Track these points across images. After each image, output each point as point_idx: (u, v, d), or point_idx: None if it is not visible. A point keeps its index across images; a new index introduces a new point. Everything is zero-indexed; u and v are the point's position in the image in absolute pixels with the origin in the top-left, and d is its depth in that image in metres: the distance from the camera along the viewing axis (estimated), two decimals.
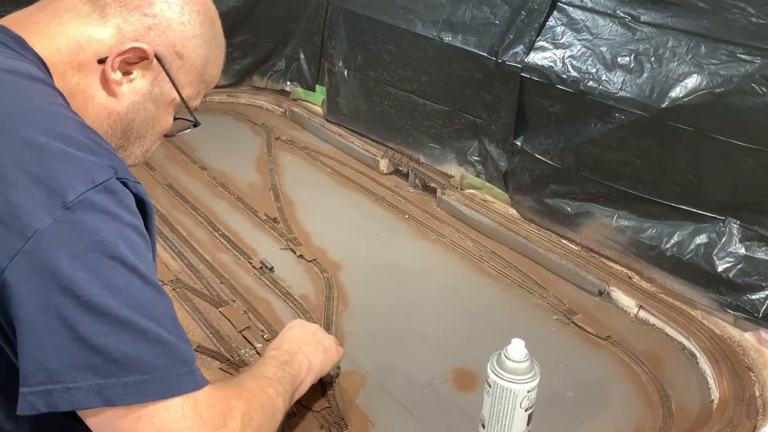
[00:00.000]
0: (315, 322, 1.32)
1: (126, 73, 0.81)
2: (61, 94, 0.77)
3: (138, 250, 0.68)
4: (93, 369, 0.64)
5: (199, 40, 0.85)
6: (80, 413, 0.67)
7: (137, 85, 0.82)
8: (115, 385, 0.65)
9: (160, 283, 1.44)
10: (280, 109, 2.41)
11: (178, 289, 1.40)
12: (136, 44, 0.79)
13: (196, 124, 0.92)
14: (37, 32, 0.79)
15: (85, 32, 0.79)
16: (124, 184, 0.70)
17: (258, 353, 1.23)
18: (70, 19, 0.79)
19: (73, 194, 0.64)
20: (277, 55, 2.48)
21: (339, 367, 1.21)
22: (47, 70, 0.78)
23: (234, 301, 1.38)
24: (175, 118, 0.90)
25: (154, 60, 0.82)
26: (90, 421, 0.67)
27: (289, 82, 2.47)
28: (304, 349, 1.05)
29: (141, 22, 0.80)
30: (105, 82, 0.80)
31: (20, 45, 0.77)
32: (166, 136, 0.91)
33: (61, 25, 0.79)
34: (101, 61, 0.79)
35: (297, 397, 1.00)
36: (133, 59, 0.81)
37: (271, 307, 1.38)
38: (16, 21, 0.80)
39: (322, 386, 1.15)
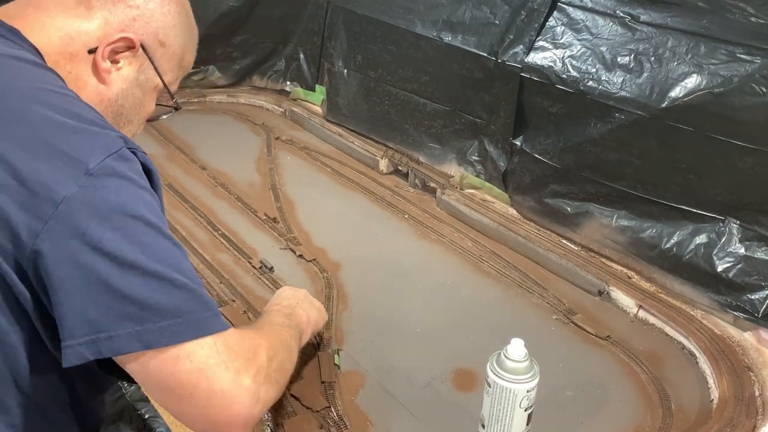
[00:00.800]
0: None
1: (113, 62, 0.87)
2: (61, 79, 0.82)
3: (155, 210, 0.76)
4: (130, 317, 0.70)
5: (179, 29, 0.92)
6: (122, 359, 0.73)
7: (125, 72, 0.88)
8: (152, 330, 0.71)
9: None
10: (280, 109, 2.41)
11: None
12: (124, 34, 0.85)
13: (177, 108, 0.98)
14: (28, 24, 0.83)
15: (74, 24, 0.84)
16: (134, 152, 0.76)
17: None
18: (58, 12, 0.84)
19: (94, 162, 0.71)
20: (277, 55, 2.48)
21: (338, 367, 1.21)
22: (42, 59, 0.83)
23: (234, 301, 1.38)
24: (156, 104, 0.97)
25: (140, 49, 0.87)
26: (131, 367, 0.73)
27: (289, 82, 2.47)
28: (301, 305, 1.12)
29: (126, 14, 0.86)
30: (96, 70, 0.85)
31: (16, 36, 0.82)
32: (148, 120, 0.97)
33: (50, 17, 0.84)
34: (91, 51, 0.84)
35: (301, 347, 1.06)
36: (121, 48, 0.86)
37: None
38: (7, 14, 0.85)
39: (322, 389, 1.15)
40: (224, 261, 1.53)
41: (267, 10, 2.39)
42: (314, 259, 1.54)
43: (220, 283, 1.44)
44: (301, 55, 2.40)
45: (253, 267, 1.51)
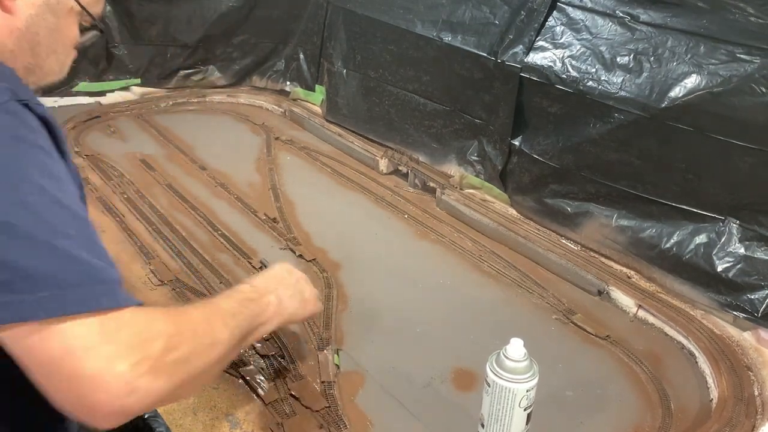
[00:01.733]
0: (315, 322, 1.33)
1: None
2: None
3: (48, 170, 0.68)
4: (6, 285, 0.64)
5: None
6: None
7: None
8: (28, 301, 0.64)
9: (160, 283, 1.45)
10: (280, 109, 2.41)
11: (177, 289, 1.40)
12: None
13: (101, 30, 0.91)
14: None
15: None
16: (26, 105, 0.69)
17: (258, 353, 1.23)
18: None
19: None
20: (277, 55, 2.48)
21: (338, 367, 1.21)
22: None
23: None
24: (81, 30, 0.89)
25: None
26: (4, 339, 0.66)
27: (288, 82, 2.47)
28: (279, 291, 1.02)
29: None
30: None
31: None
32: (78, 49, 0.89)
33: None
34: None
35: (257, 337, 0.98)
36: None
37: None
38: None
39: (322, 390, 1.15)
40: (224, 261, 1.53)
41: (267, 10, 2.39)
42: (314, 259, 1.54)
43: (220, 283, 1.44)
44: (301, 55, 2.40)
45: (253, 267, 1.51)
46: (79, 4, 0.84)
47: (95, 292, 0.67)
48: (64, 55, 0.86)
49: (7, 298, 0.63)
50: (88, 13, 0.86)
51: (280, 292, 1.03)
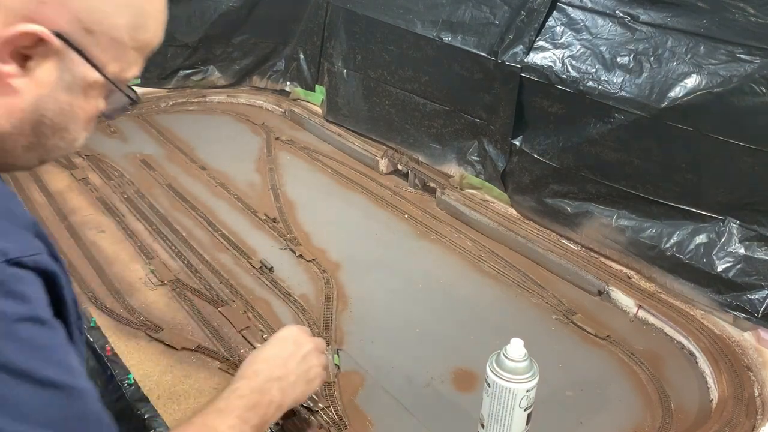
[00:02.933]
0: (315, 322, 1.33)
1: (23, 60, 0.64)
2: None
3: (35, 345, 0.59)
4: None
5: (112, 5, 0.67)
6: None
7: (39, 75, 0.65)
8: None
9: (160, 283, 1.45)
10: (280, 109, 2.41)
11: (177, 289, 1.40)
12: (24, 27, 0.62)
13: (134, 101, 0.76)
14: None
15: None
16: (18, 263, 0.59)
17: None
18: None
19: None
20: (277, 55, 2.48)
21: (338, 367, 1.21)
22: None
23: (233, 300, 1.38)
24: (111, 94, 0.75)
25: (56, 40, 0.64)
26: None
27: (288, 82, 2.47)
28: (282, 382, 0.95)
29: None
30: None
31: None
32: (106, 117, 0.77)
33: None
34: None
35: (265, 428, 0.93)
36: (27, 43, 0.63)
37: (271, 307, 1.38)
38: None
39: (322, 390, 1.15)
40: (224, 261, 1.53)
41: (267, 10, 2.39)
42: (314, 259, 1.54)
43: (220, 283, 1.44)
44: (301, 55, 2.40)
45: (253, 267, 1.51)
46: (105, 76, 0.69)
47: None
48: (76, 132, 0.72)
49: None
50: (116, 86, 0.72)
51: (283, 383, 0.95)
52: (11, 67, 0.64)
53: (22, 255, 0.59)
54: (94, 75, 0.68)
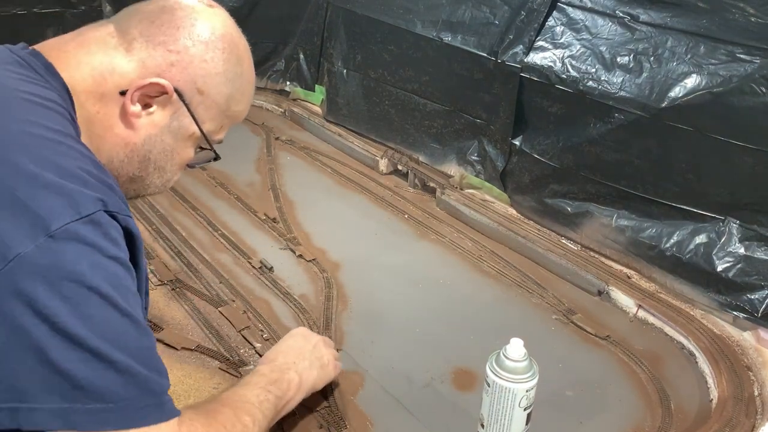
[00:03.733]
0: (315, 322, 1.33)
1: (146, 106, 0.84)
2: (74, 124, 0.79)
3: (119, 281, 0.70)
4: (60, 393, 0.66)
5: (222, 77, 0.87)
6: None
7: (156, 118, 0.85)
8: (79, 411, 0.67)
9: (160, 283, 1.45)
10: (280, 109, 2.41)
11: (177, 289, 1.40)
12: (155, 80, 0.82)
13: (215, 158, 0.94)
14: (65, 60, 0.82)
15: (110, 64, 0.82)
16: (114, 216, 0.71)
17: (258, 353, 1.23)
18: (98, 50, 0.83)
19: (57, 223, 0.66)
20: (277, 55, 2.48)
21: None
22: (70, 97, 0.80)
23: (233, 300, 1.38)
24: (198, 149, 0.93)
25: (174, 95, 0.84)
26: None
27: (288, 82, 2.47)
28: (298, 365, 1.05)
29: (164, 58, 0.83)
30: (124, 113, 0.83)
31: (48, 71, 0.80)
32: (188, 166, 0.93)
33: (88, 54, 0.82)
34: (122, 93, 0.82)
35: (284, 413, 1.01)
36: (153, 93, 0.83)
37: (271, 307, 1.38)
38: (51, 48, 0.83)
39: (322, 389, 1.15)
40: (224, 261, 1.53)
41: (267, 10, 2.39)
42: (314, 259, 1.54)
43: (220, 283, 1.44)
44: (301, 56, 2.40)
45: (253, 267, 1.51)
46: (201, 131, 0.88)
47: (144, 405, 0.71)
48: (171, 174, 0.91)
49: (60, 405, 0.66)
50: (208, 142, 0.90)
51: (299, 366, 1.05)
52: (137, 108, 0.83)
53: (117, 211, 0.72)
54: (194, 128, 0.87)
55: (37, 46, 0.84)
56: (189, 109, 0.86)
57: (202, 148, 0.93)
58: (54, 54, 0.82)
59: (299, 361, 1.05)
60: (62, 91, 0.80)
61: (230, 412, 0.88)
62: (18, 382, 0.65)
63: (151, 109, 0.84)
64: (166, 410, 0.73)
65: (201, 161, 0.95)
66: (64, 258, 0.66)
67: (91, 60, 0.82)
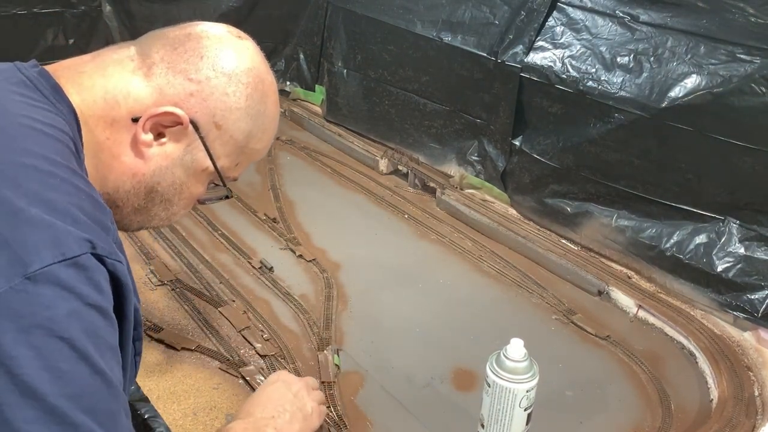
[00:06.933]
0: (315, 322, 1.33)
1: (159, 135, 0.78)
2: (77, 152, 0.74)
3: (96, 333, 0.63)
4: None
5: (242, 113, 0.81)
6: None
7: (168, 149, 0.79)
8: None
9: (160, 283, 1.45)
10: (280, 109, 2.40)
11: (177, 289, 1.40)
12: (171, 109, 0.77)
13: (227, 196, 0.88)
14: (78, 82, 0.77)
15: (125, 88, 0.77)
16: (101, 260, 0.65)
17: (258, 353, 1.23)
18: (114, 72, 0.78)
19: (37, 264, 0.61)
20: (277, 55, 2.47)
21: (338, 367, 1.21)
22: (77, 122, 0.76)
23: (233, 300, 1.38)
24: (211, 185, 0.87)
25: (190, 126, 0.78)
26: None
27: (288, 82, 2.47)
28: (277, 420, 0.97)
29: (183, 87, 0.78)
30: (134, 141, 0.78)
31: (56, 94, 0.75)
32: (199, 202, 0.88)
33: (104, 77, 0.78)
34: (135, 120, 0.77)
35: None
36: (167, 123, 0.78)
37: (271, 307, 1.38)
38: (65, 68, 0.79)
39: (322, 386, 1.15)
40: (224, 261, 1.53)
41: (267, 10, 2.39)
42: (314, 259, 1.54)
43: (220, 283, 1.44)
44: (301, 55, 2.40)
45: (253, 267, 1.51)
46: (215, 167, 0.82)
47: None
48: (178, 207, 0.85)
49: None
50: (221, 179, 0.84)
51: (279, 421, 0.97)
52: (149, 137, 0.77)
53: (106, 255, 0.65)
54: (207, 163, 0.81)
55: (53, 66, 0.79)
56: (204, 143, 0.80)
57: (215, 184, 0.86)
58: (67, 74, 0.77)
59: (279, 414, 0.97)
60: (69, 115, 0.74)
61: None
62: None
63: (163, 140, 0.79)
64: None
65: (212, 198, 0.89)
66: (38, 303, 0.60)
67: (105, 83, 0.77)
